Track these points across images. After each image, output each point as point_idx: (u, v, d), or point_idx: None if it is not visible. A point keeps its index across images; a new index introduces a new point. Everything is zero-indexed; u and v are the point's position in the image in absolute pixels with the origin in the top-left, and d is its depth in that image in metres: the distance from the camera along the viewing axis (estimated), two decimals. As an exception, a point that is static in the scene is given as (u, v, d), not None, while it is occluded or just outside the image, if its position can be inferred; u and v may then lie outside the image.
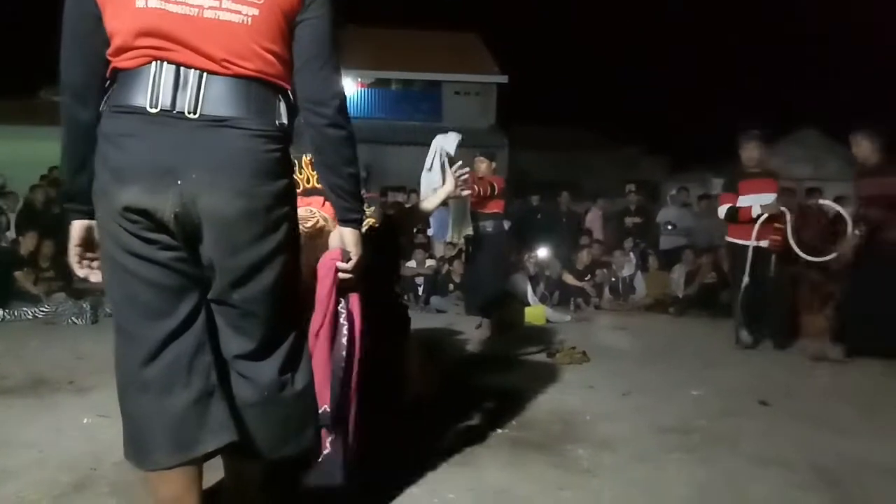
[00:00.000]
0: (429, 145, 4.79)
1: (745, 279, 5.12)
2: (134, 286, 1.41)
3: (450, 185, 2.83)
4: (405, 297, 8.05)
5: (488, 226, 5.28)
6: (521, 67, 17.52)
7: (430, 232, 9.25)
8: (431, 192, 4.98)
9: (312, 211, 2.20)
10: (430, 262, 8.47)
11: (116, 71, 1.43)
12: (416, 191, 10.28)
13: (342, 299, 1.82)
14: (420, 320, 6.56)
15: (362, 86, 17.14)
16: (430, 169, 4.68)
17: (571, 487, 2.28)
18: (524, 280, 7.68)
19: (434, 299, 7.80)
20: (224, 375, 1.52)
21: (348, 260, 1.72)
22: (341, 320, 1.81)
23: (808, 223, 7.55)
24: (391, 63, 16.78)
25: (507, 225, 8.74)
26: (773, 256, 5.20)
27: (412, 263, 8.42)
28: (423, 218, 3.34)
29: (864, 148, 4.94)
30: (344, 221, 1.70)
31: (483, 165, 5.30)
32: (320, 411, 1.73)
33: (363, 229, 1.80)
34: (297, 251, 1.62)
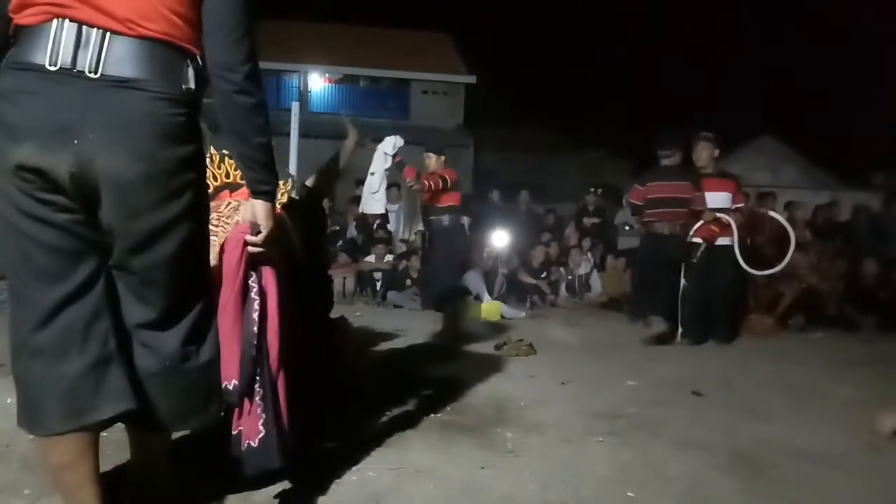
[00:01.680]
0: None
1: (682, 280, 5.32)
2: (28, 248, 1.38)
3: (352, 138, 3.11)
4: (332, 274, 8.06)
5: (444, 220, 5.26)
6: (488, 69, 17.55)
7: (390, 227, 9.28)
8: (370, 195, 5.10)
9: (239, 203, 2.17)
10: (388, 258, 8.46)
11: (18, 28, 1.40)
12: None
13: (253, 273, 1.80)
14: (377, 315, 6.58)
15: (330, 81, 17.06)
16: (372, 173, 4.82)
17: (493, 466, 2.30)
18: (480, 276, 7.73)
19: (391, 294, 7.80)
20: (126, 343, 1.49)
21: (258, 233, 1.71)
22: (252, 294, 1.80)
23: (758, 230, 7.77)
24: (359, 60, 16.71)
25: (465, 220, 8.80)
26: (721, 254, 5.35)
27: (371, 258, 8.41)
28: (336, 172, 3.34)
29: (704, 153, 5.41)
30: (255, 193, 1.68)
31: (432, 161, 5.30)
32: (225, 386, 1.72)
33: (280, 203, 1.79)
34: (205, 220, 1.60)
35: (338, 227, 9.49)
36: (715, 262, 5.35)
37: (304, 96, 15.68)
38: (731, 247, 5.35)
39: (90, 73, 1.36)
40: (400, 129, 17.53)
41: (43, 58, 1.35)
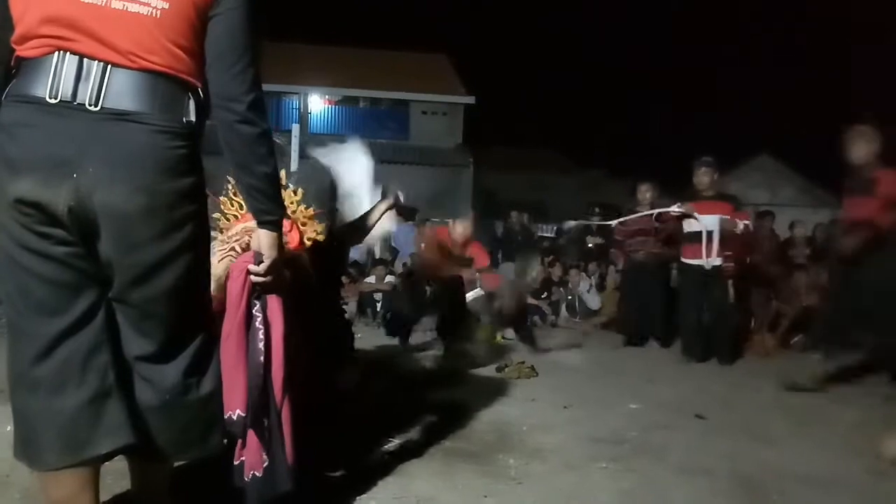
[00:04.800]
0: (397, 163, 4.96)
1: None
2: (27, 281, 1.39)
3: (387, 204, 3.09)
4: (365, 313, 8.04)
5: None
6: (487, 89, 17.71)
7: (393, 242, 9.31)
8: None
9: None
10: (389, 279, 8.45)
11: (20, 60, 1.41)
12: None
13: (258, 302, 1.80)
14: (377, 337, 6.56)
15: (330, 103, 17.19)
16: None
17: (496, 495, 2.29)
18: (483, 299, 7.71)
19: (391, 316, 7.77)
20: (126, 376, 1.48)
21: (261, 262, 1.71)
22: (256, 324, 1.80)
23: (754, 248, 7.79)
24: (359, 81, 16.87)
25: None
26: (719, 276, 5.37)
27: (371, 279, 8.40)
28: (366, 231, 3.38)
29: (705, 178, 5.49)
30: (259, 223, 1.68)
31: (459, 229, 5.32)
32: (229, 416, 1.71)
33: (309, 243, 1.79)
34: (206, 252, 1.61)
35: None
36: (710, 281, 5.39)
37: (303, 118, 15.76)
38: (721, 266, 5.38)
39: (90, 105, 1.37)
40: (400, 149, 17.69)
41: (43, 91, 1.37)
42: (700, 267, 5.33)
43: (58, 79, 1.36)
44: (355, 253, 9.41)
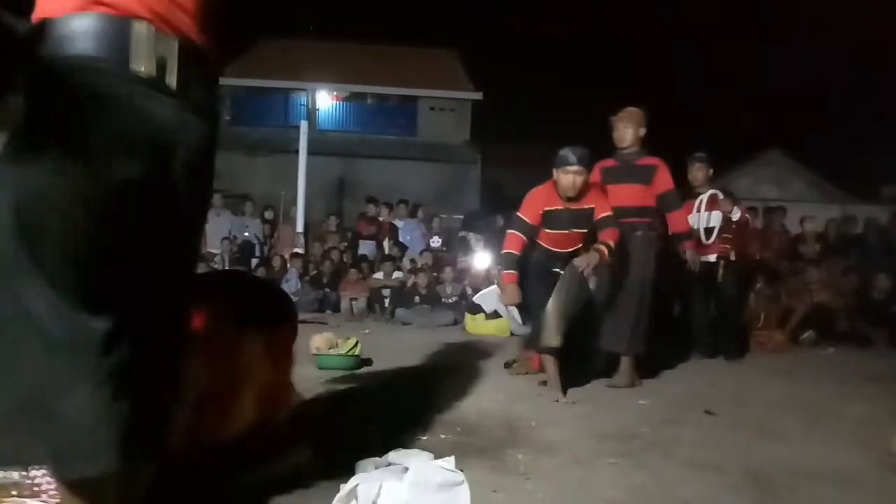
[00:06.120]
0: (403, 159, 4.96)
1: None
2: None
3: None
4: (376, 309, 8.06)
5: None
6: (496, 85, 17.65)
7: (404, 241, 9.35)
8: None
9: None
10: (397, 275, 8.48)
11: None
12: (389, 204, 10.38)
13: None
14: (386, 332, 6.58)
15: (338, 99, 17.19)
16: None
17: (505, 490, 2.29)
18: (495, 294, 7.72)
19: (399, 311, 7.80)
20: None
21: None
22: None
23: (767, 243, 7.75)
24: (367, 77, 16.87)
25: (473, 236, 8.84)
26: (723, 270, 5.36)
27: (379, 275, 8.43)
28: None
29: (700, 174, 5.47)
30: None
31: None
32: None
33: None
34: None
35: (346, 244, 9.51)
36: (712, 278, 5.38)
37: (311, 114, 15.78)
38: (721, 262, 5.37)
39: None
40: (408, 145, 17.61)
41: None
42: (705, 262, 5.32)
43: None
44: (365, 248, 9.44)
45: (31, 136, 1.12)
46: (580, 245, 4.07)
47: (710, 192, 5.43)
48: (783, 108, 25.12)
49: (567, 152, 3.87)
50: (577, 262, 3.77)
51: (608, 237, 3.90)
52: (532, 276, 4.06)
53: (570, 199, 3.93)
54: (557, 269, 3.97)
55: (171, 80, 1.30)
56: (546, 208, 3.99)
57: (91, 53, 1.23)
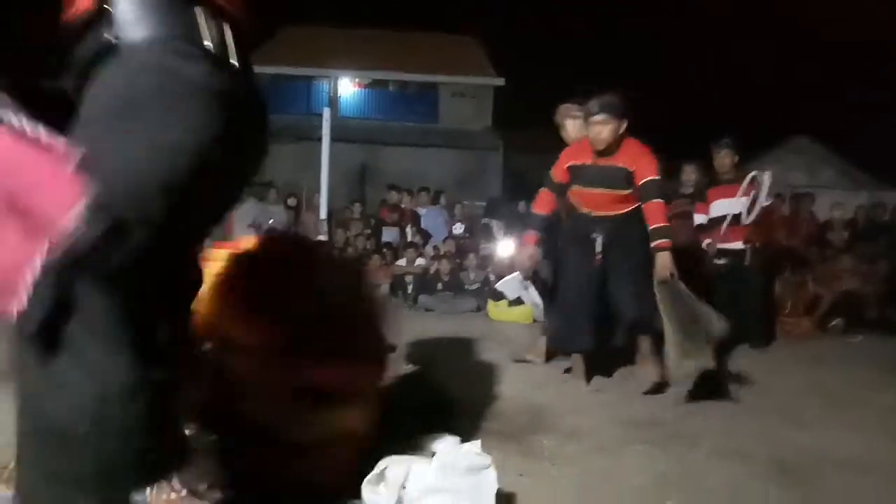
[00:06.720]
0: (425, 146, 4.95)
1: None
2: None
3: None
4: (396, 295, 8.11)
5: None
6: (517, 71, 17.52)
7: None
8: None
9: None
10: (420, 261, 8.52)
11: None
12: (410, 191, 10.41)
13: None
14: (408, 318, 6.62)
15: (360, 86, 17.22)
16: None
17: (531, 474, 2.32)
18: (519, 281, 7.72)
19: (422, 298, 7.84)
20: None
21: None
22: None
23: (795, 230, 7.66)
24: (388, 64, 16.86)
25: (495, 223, 8.83)
26: (749, 257, 5.31)
27: (402, 262, 8.48)
28: None
29: (727, 160, 5.37)
30: None
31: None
32: None
33: None
34: None
35: (369, 231, 9.57)
36: (739, 264, 5.34)
37: (334, 101, 15.83)
38: (745, 250, 5.31)
39: None
40: (429, 132, 17.61)
41: None
42: (731, 250, 5.28)
43: None
44: (388, 235, 9.49)
45: None
46: (624, 210, 3.69)
47: (752, 173, 5.35)
48: (806, 97, 24.64)
49: (592, 102, 3.64)
50: (659, 276, 3.42)
51: (656, 218, 3.48)
52: (565, 241, 3.86)
53: (600, 154, 3.66)
54: (596, 236, 3.69)
55: (234, 59, 1.26)
56: (572, 163, 3.80)
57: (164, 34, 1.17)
